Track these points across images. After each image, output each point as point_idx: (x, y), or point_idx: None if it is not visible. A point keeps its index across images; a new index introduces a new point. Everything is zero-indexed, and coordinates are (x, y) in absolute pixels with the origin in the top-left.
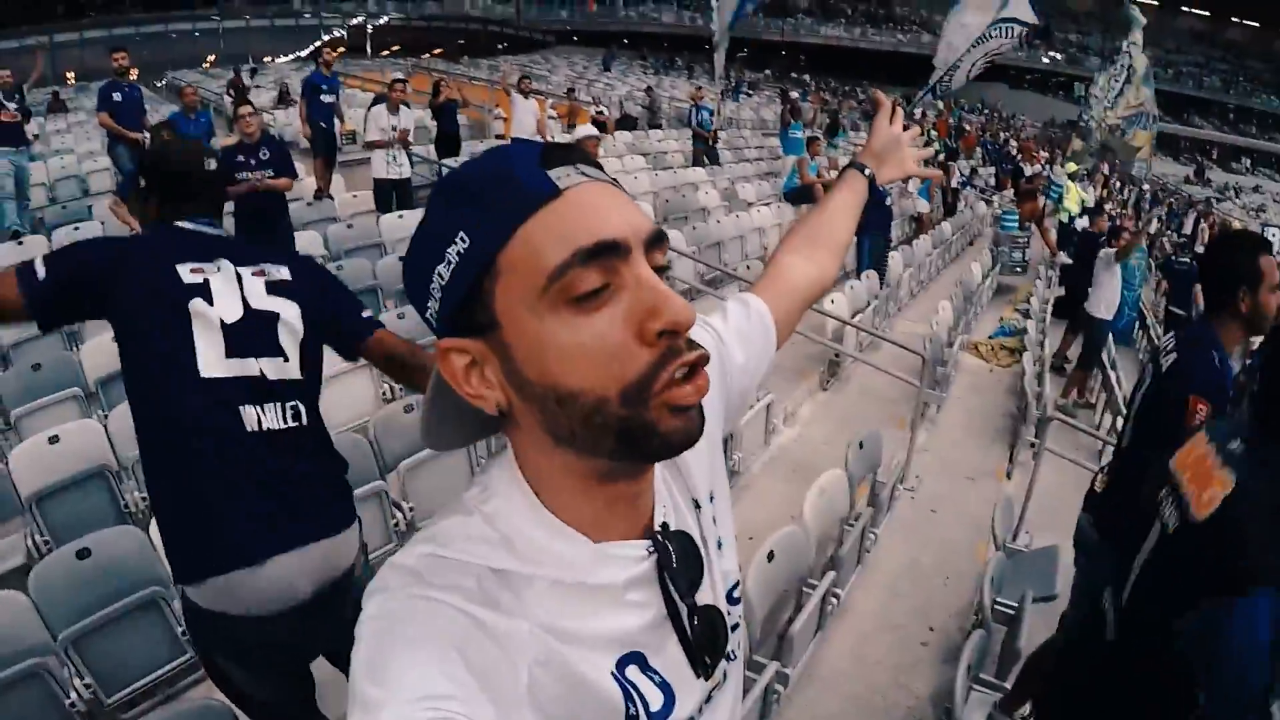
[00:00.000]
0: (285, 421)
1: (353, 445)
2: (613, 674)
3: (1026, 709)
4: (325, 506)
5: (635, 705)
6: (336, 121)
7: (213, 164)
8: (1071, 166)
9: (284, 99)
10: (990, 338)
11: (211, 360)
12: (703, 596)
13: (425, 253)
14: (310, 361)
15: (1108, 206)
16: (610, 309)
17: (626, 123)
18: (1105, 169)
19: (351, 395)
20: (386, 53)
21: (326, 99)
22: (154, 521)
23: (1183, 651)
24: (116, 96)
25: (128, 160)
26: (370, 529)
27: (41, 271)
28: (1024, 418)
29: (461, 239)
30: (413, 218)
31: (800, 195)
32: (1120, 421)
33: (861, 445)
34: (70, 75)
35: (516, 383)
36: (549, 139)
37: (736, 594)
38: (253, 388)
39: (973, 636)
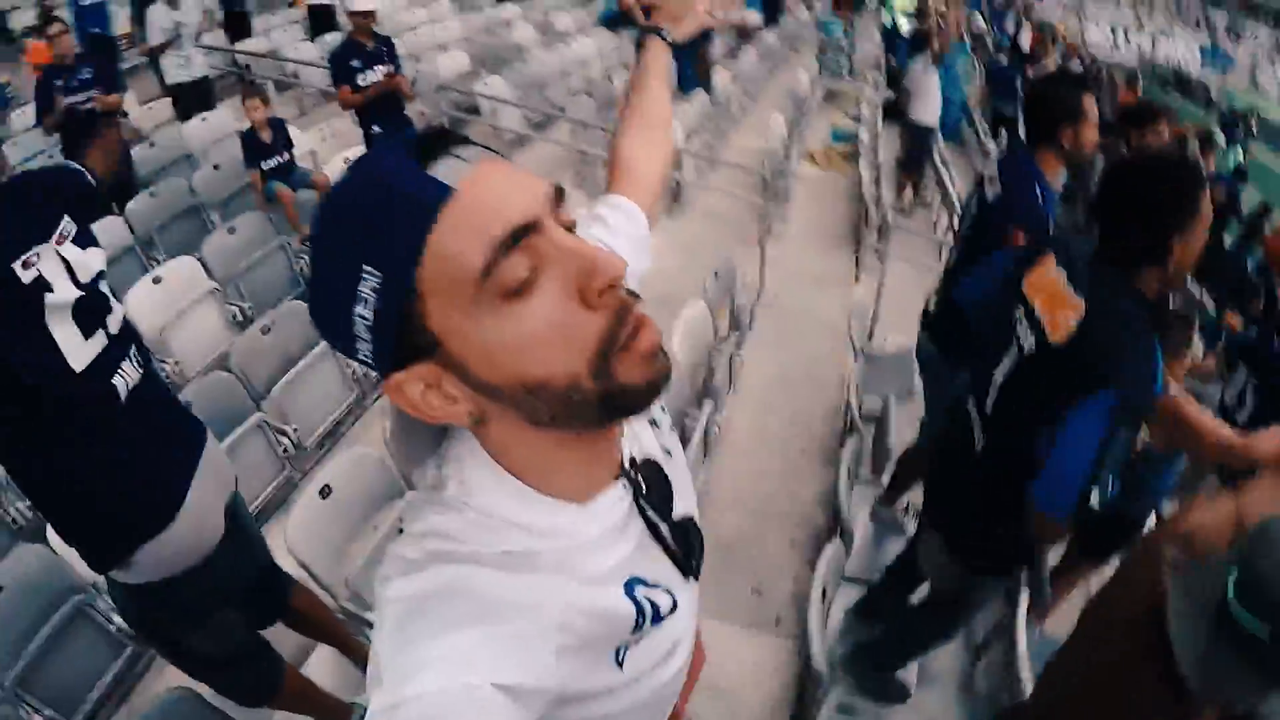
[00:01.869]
0: (139, 369)
1: (218, 382)
2: (625, 596)
3: (904, 500)
4: (187, 423)
5: (644, 615)
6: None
7: None
8: None
9: (46, 19)
10: (824, 146)
11: (76, 351)
12: (677, 509)
13: (335, 297)
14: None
15: (932, 5)
16: (545, 288)
17: None
18: None
19: (203, 329)
20: None
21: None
22: (49, 530)
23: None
24: None
25: None
26: (260, 462)
27: None
28: (866, 222)
29: (370, 273)
30: (217, 118)
31: (618, 20)
32: (956, 220)
33: (717, 274)
34: None
35: (481, 389)
36: (351, 3)
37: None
38: (110, 356)
39: (848, 440)
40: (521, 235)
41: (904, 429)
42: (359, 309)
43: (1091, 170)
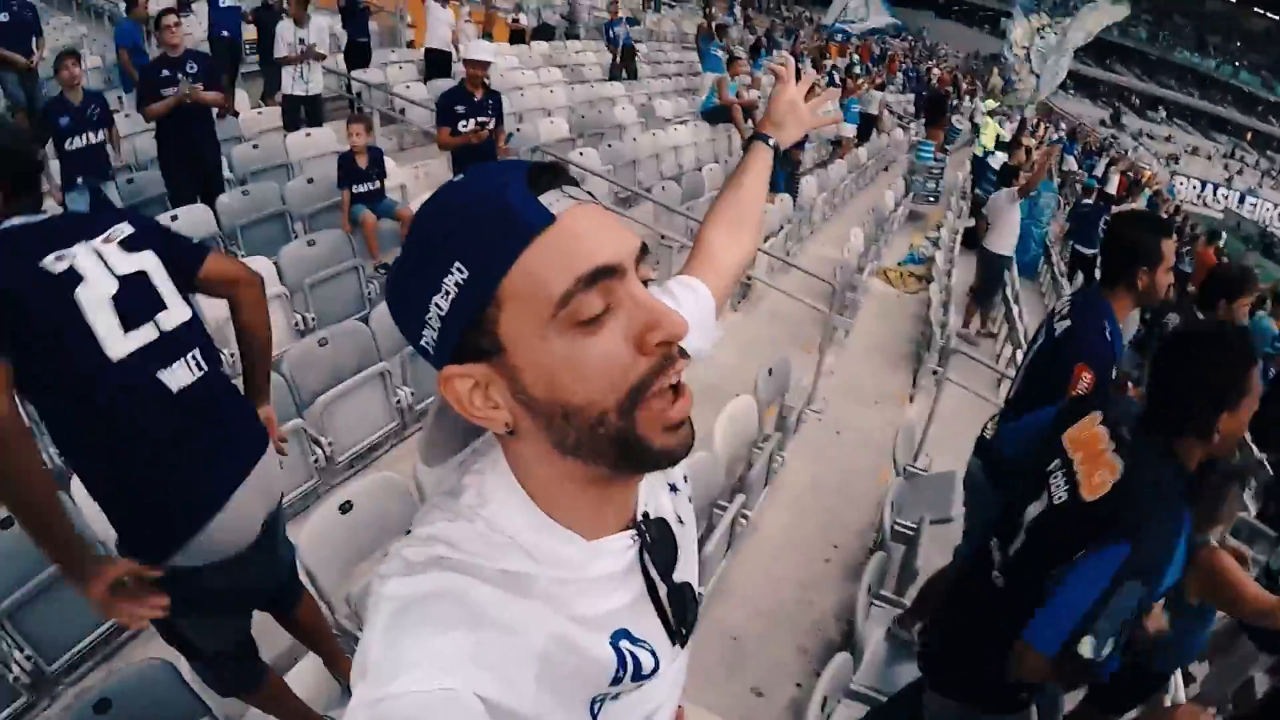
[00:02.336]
0: (196, 371)
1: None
2: (610, 644)
3: (922, 625)
4: (249, 429)
5: (625, 669)
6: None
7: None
8: (991, 103)
9: (165, 9)
10: (899, 264)
11: (116, 341)
12: (678, 574)
13: (418, 283)
14: (188, 301)
15: (1026, 141)
16: (611, 327)
17: (544, 32)
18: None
19: None
20: None
21: (227, 2)
22: (74, 481)
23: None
24: (2, 17)
25: (16, 88)
26: (291, 467)
27: None
28: (928, 345)
29: (459, 269)
30: (321, 135)
31: (718, 115)
32: (1019, 354)
33: (771, 372)
34: None
35: (524, 401)
36: (462, 49)
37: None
38: (160, 349)
39: (874, 557)
40: (603, 276)
41: (933, 554)
42: (438, 298)
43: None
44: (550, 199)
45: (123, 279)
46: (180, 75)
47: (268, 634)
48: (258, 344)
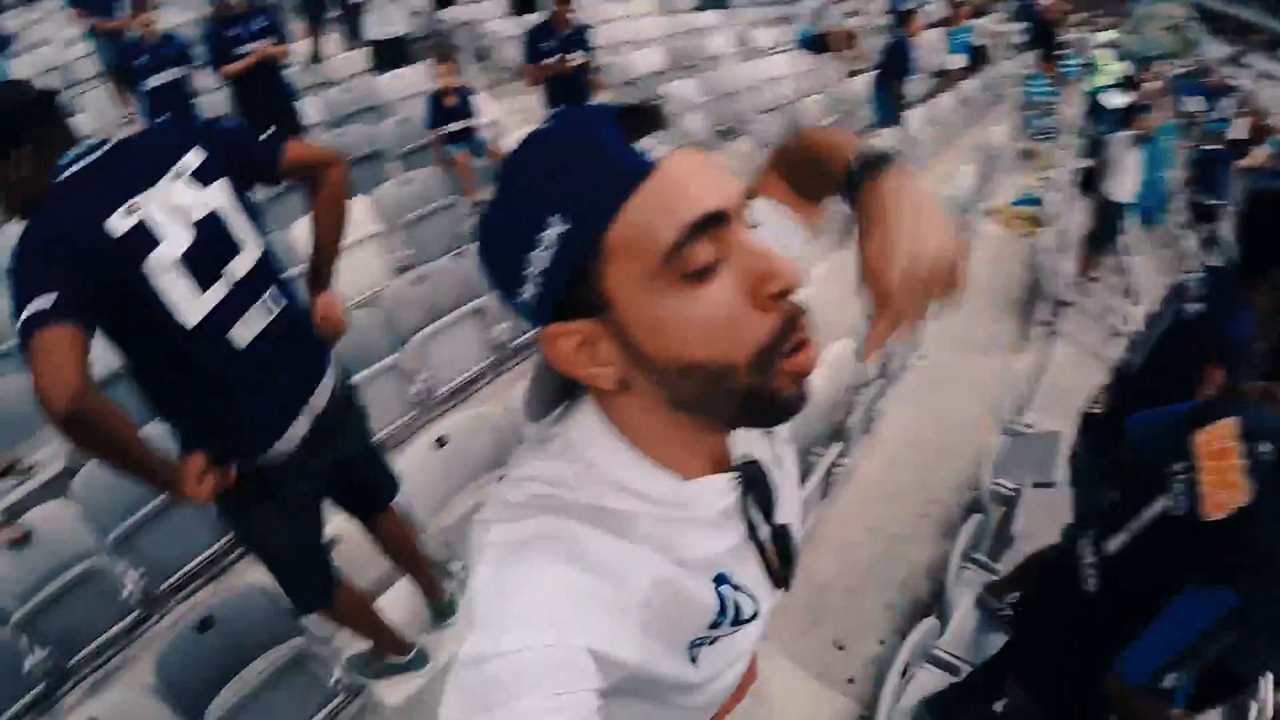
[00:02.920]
0: (268, 316)
1: (366, 318)
2: (712, 589)
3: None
4: (313, 361)
5: (726, 613)
6: None
7: (31, 89)
8: (1107, 35)
9: None
10: (1011, 205)
11: (189, 307)
12: (778, 517)
13: (512, 237)
14: (258, 226)
15: (1145, 80)
16: (723, 278)
17: None
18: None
19: (364, 265)
20: None
21: None
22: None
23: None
24: None
25: (109, 50)
26: (389, 402)
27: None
28: (1040, 294)
29: (555, 221)
30: (412, 75)
31: (817, 44)
32: (1130, 310)
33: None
34: None
35: (635, 358)
36: None
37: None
38: (231, 305)
39: (971, 519)
40: (711, 224)
41: (1032, 518)
42: (536, 252)
43: None
44: (647, 144)
45: (196, 225)
46: (246, 34)
47: (360, 563)
48: (335, 226)
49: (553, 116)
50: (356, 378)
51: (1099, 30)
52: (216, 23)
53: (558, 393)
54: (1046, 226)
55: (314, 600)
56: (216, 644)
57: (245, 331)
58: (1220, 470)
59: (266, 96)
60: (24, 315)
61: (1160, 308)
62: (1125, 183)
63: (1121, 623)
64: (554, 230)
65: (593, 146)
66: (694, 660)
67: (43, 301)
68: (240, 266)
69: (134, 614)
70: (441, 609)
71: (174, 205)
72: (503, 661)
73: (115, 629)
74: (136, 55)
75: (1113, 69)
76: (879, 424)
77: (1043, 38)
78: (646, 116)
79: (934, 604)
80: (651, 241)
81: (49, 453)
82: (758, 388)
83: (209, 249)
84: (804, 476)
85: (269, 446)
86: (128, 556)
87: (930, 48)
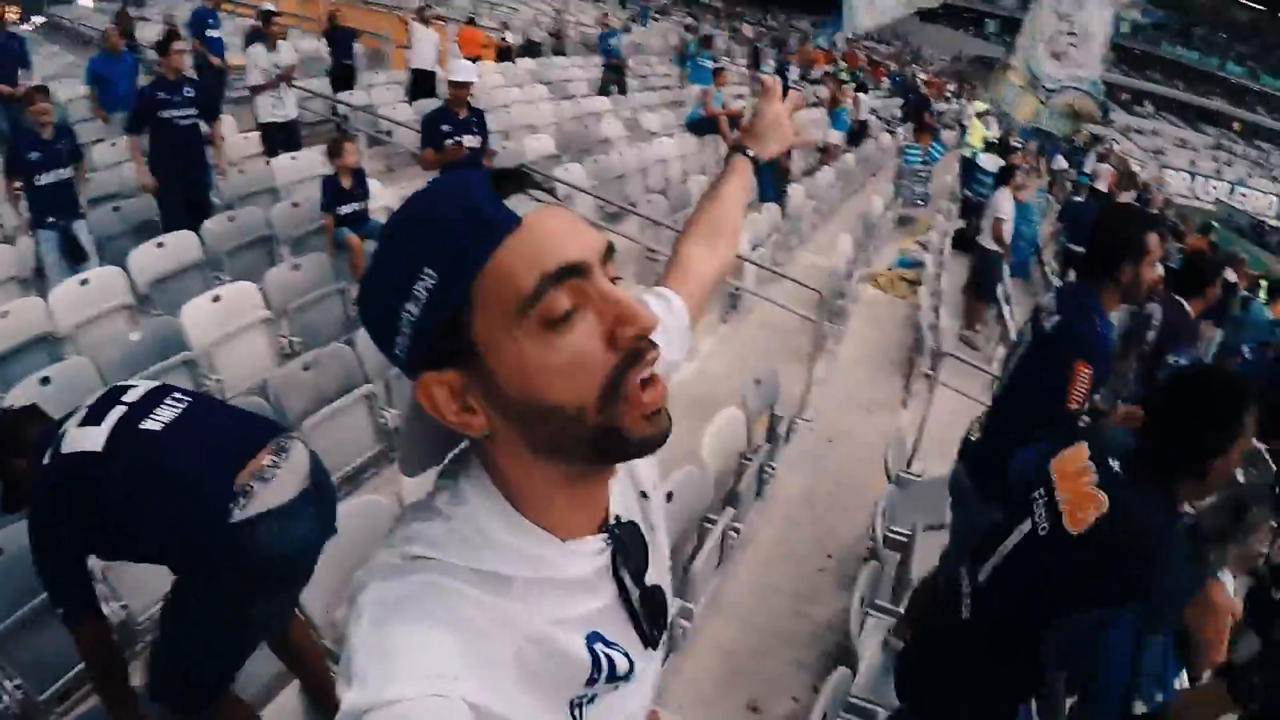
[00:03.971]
0: (179, 405)
1: (252, 406)
2: (584, 646)
3: None
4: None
5: (600, 670)
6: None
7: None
8: (980, 105)
9: (171, 35)
10: (889, 269)
11: (94, 439)
12: (649, 577)
13: (389, 291)
14: None
15: (1013, 141)
16: (581, 325)
17: (531, 49)
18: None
19: (250, 354)
20: None
21: (214, 34)
22: None
23: (1052, 653)
24: None
25: (2, 118)
26: None
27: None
28: (920, 350)
29: (428, 274)
30: (306, 159)
31: (704, 126)
32: None
33: (758, 382)
34: None
35: (499, 403)
36: (447, 70)
37: (671, 573)
38: (133, 414)
39: (867, 566)
40: (570, 274)
41: (928, 560)
42: (409, 304)
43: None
44: (516, 201)
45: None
46: (178, 98)
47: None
48: None
49: (432, 180)
50: None
51: (972, 99)
52: (149, 86)
53: (436, 445)
54: (923, 286)
55: (216, 691)
56: None
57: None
58: (1077, 489)
59: (182, 171)
60: (61, 610)
61: (1020, 332)
62: (1002, 232)
63: (996, 650)
64: (426, 282)
65: (464, 203)
66: (576, 719)
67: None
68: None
69: None
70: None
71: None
72: (386, 712)
73: None
74: (29, 149)
75: (982, 133)
76: (771, 487)
77: (918, 111)
78: (516, 177)
79: (843, 655)
80: (513, 290)
81: None
82: (607, 426)
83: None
84: (699, 544)
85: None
86: (3, 664)
87: (813, 124)
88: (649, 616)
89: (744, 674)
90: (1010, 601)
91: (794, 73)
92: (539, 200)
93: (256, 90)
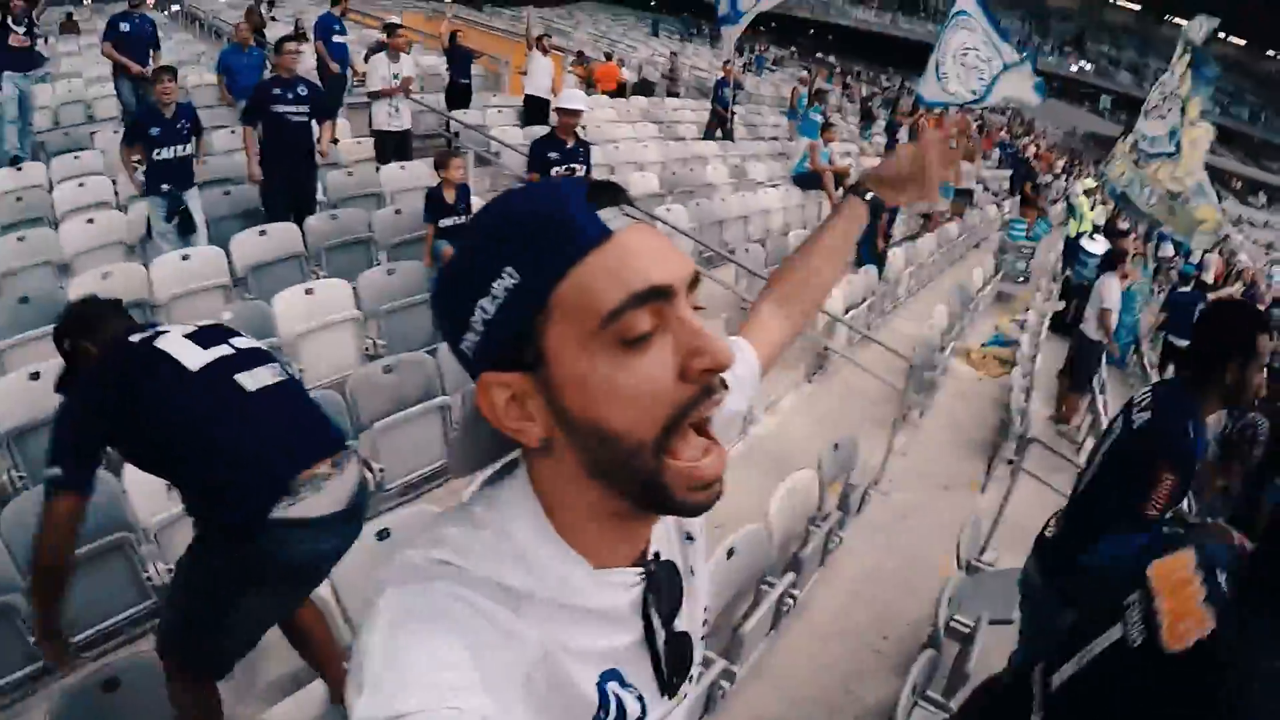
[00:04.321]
0: (277, 376)
1: (329, 401)
2: (597, 684)
3: None
4: (324, 443)
5: (607, 711)
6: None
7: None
8: (1089, 183)
9: (288, 36)
10: (983, 346)
11: (192, 356)
12: (679, 623)
13: (465, 284)
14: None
15: (1123, 225)
16: (657, 349)
17: (644, 88)
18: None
19: (334, 350)
20: None
21: (339, 39)
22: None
23: None
24: (124, 26)
25: (130, 94)
26: None
27: (73, 473)
28: (1006, 433)
29: (510, 274)
30: (413, 168)
31: (809, 180)
32: None
33: (837, 447)
34: None
35: (561, 418)
36: (565, 100)
37: (708, 619)
38: (236, 361)
39: (923, 654)
40: (654, 296)
41: (989, 656)
42: (485, 301)
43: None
44: (609, 215)
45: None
46: (290, 95)
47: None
48: None
49: (530, 184)
50: None
51: (1081, 177)
52: (264, 81)
53: (488, 450)
54: (1016, 366)
55: (223, 670)
56: (118, 706)
57: (252, 381)
58: (1181, 601)
59: (291, 166)
60: (53, 472)
61: (1110, 423)
62: (1106, 322)
63: None
64: (506, 281)
65: (555, 208)
66: None
67: (70, 473)
68: (243, 342)
69: (39, 663)
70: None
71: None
72: None
73: (19, 674)
74: (151, 124)
75: (1092, 215)
76: (836, 556)
77: (1025, 183)
78: (613, 191)
79: None
80: (595, 304)
81: None
82: (655, 477)
83: (213, 337)
84: (753, 606)
85: (294, 494)
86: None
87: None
88: (672, 663)
89: None
90: (1087, 713)
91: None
92: (632, 218)
93: (374, 97)
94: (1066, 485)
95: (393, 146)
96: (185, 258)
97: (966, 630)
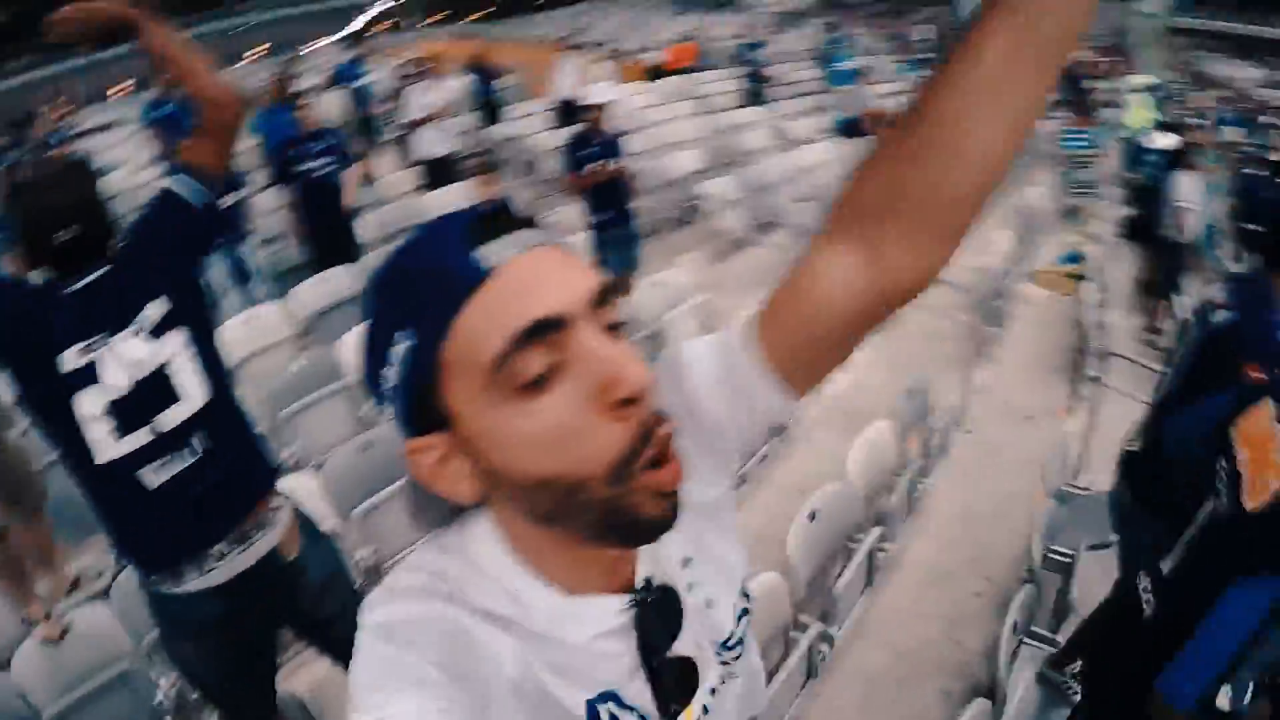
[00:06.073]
0: (188, 459)
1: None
2: (588, 702)
3: (1079, 665)
4: (239, 504)
5: None
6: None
7: (68, 234)
8: (1139, 80)
9: (294, 92)
10: (1054, 265)
11: (105, 446)
12: (681, 647)
13: (369, 354)
14: (212, 368)
15: (1186, 119)
16: (561, 388)
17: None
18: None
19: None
20: (432, 20)
21: (360, 83)
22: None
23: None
24: (159, 112)
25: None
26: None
27: None
28: (1087, 351)
29: (401, 337)
30: (457, 191)
31: (852, 129)
32: None
33: (910, 393)
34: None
35: (486, 473)
36: (588, 97)
37: (732, 643)
38: (147, 452)
39: (1021, 589)
40: (543, 331)
41: (1094, 582)
42: (387, 369)
43: None
44: (493, 249)
45: (138, 381)
46: (313, 149)
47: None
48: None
49: (414, 229)
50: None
51: (1130, 74)
52: (285, 140)
53: (443, 506)
54: (1090, 282)
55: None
56: None
57: (154, 476)
58: (1261, 455)
59: (327, 216)
60: None
61: (1189, 326)
62: (1188, 222)
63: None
64: (402, 345)
65: (432, 257)
66: None
67: None
68: (172, 417)
69: None
70: None
71: (126, 358)
72: None
73: None
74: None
75: (1148, 112)
76: (926, 503)
77: (1075, 91)
78: (499, 217)
79: (994, 686)
80: (479, 355)
81: (100, 559)
82: (616, 503)
83: (141, 401)
84: (844, 565)
85: (179, 573)
86: (161, 662)
87: None
88: (670, 689)
89: (887, 703)
90: (1197, 592)
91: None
92: (521, 244)
93: (411, 127)
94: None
95: (438, 173)
96: (248, 320)
97: (1066, 560)
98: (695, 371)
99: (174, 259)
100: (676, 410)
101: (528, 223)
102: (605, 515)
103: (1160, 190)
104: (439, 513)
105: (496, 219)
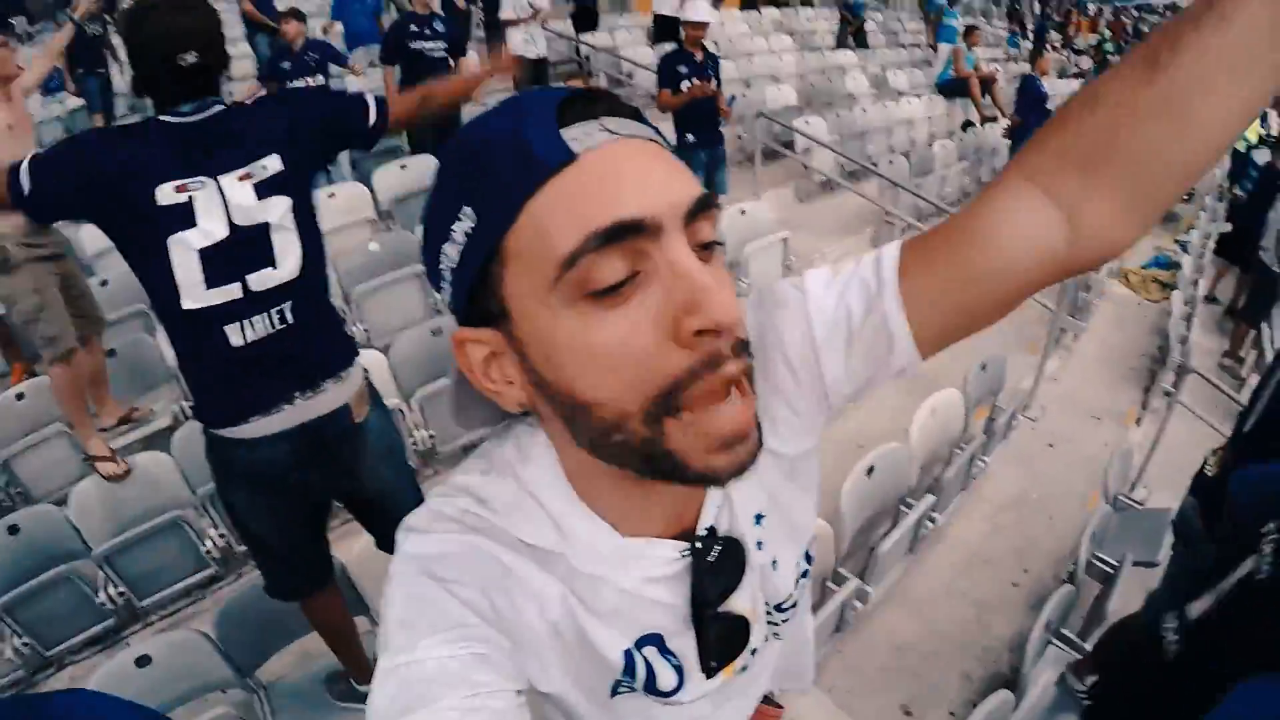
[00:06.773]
0: (272, 327)
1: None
2: (627, 650)
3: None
4: (313, 374)
5: (634, 676)
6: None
7: (191, 57)
8: None
9: None
10: (1143, 267)
11: (192, 292)
12: (737, 603)
13: (433, 228)
14: (309, 247)
15: None
16: (637, 303)
17: None
18: None
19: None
20: None
21: None
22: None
23: None
24: None
25: (265, 48)
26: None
27: (26, 184)
28: (1164, 362)
29: (467, 215)
30: None
31: (955, 88)
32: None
33: (984, 367)
34: None
35: (535, 380)
36: (689, 13)
37: (787, 605)
38: (236, 308)
39: (1060, 589)
40: (625, 234)
41: (1130, 597)
42: (448, 246)
43: None
44: (579, 132)
45: (236, 230)
46: (427, 31)
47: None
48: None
49: (500, 101)
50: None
51: None
52: (400, 20)
53: (489, 405)
54: (1177, 291)
55: (278, 590)
56: (276, 608)
57: (239, 335)
58: None
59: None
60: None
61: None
62: None
63: (1201, 695)
64: (465, 224)
65: (509, 131)
66: (615, 706)
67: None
68: (260, 281)
69: (210, 570)
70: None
71: (228, 203)
72: (420, 667)
73: (191, 580)
74: (280, 59)
75: (1256, 127)
76: (980, 482)
77: None
78: (591, 100)
79: (1014, 678)
80: (549, 247)
81: (162, 407)
82: (655, 445)
83: (236, 254)
84: (892, 527)
85: (243, 422)
86: (214, 514)
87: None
88: (715, 646)
89: (908, 673)
90: (1221, 649)
91: (1055, 39)
92: (615, 132)
93: (508, 24)
94: (1227, 424)
95: (530, 74)
96: (331, 195)
97: (1110, 569)
98: (818, 313)
99: (316, 142)
100: (774, 354)
101: (632, 112)
102: (645, 454)
103: (1261, 210)
104: (484, 413)
105: (595, 101)
